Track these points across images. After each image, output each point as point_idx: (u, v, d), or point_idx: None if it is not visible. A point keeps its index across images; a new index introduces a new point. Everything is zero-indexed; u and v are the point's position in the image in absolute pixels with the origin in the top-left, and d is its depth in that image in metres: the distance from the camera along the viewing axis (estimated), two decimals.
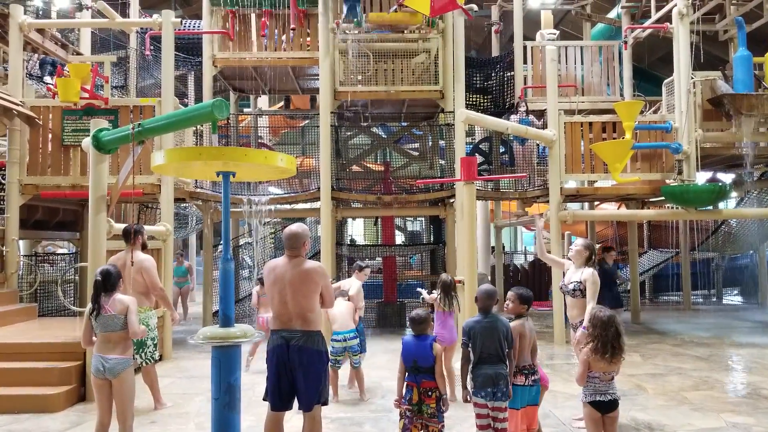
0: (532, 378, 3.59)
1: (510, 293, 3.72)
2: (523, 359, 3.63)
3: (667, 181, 8.09)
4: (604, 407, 3.34)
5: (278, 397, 3.48)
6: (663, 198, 8.61)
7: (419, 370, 3.49)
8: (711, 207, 8.02)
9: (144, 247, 5.19)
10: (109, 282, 3.69)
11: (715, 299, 13.72)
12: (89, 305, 3.74)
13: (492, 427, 3.50)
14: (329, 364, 5.15)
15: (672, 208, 8.62)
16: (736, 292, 14.53)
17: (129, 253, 4.82)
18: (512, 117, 9.19)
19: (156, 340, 5.08)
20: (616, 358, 3.29)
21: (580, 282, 4.53)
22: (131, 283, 4.89)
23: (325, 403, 3.59)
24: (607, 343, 3.26)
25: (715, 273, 13.72)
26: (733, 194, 10.68)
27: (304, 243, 3.58)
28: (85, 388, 5.22)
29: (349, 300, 5.36)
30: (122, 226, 5.36)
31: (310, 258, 3.79)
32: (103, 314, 3.64)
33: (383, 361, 5.99)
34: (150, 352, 4.96)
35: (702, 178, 9.98)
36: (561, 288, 4.75)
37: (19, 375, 5.16)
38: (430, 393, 3.47)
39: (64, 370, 5.19)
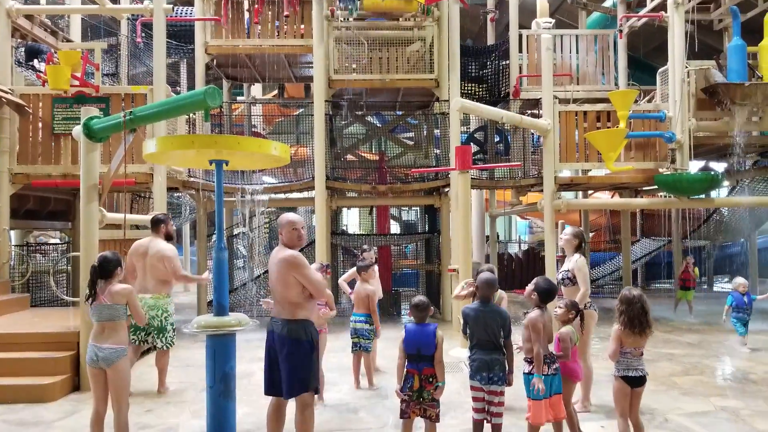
0: (553, 367, 3.56)
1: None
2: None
3: (661, 170, 8.12)
4: (634, 382, 3.49)
5: (269, 383, 3.51)
6: (656, 187, 8.65)
7: (422, 357, 3.48)
8: (703, 196, 8.07)
9: (169, 238, 5.31)
10: (105, 269, 3.67)
11: (706, 287, 13.86)
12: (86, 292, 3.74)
13: (487, 410, 3.56)
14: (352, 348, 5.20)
15: (665, 196, 8.66)
16: (726, 279, 14.68)
17: (152, 241, 5.13)
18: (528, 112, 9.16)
19: (174, 325, 5.24)
20: (645, 332, 3.46)
21: (569, 270, 4.57)
22: (150, 270, 5.08)
23: (317, 392, 3.61)
24: (633, 318, 3.44)
25: (707, 261, 13.85)
26: (725, 183, 10.75)
27: (283, 229, 3.52)
28: (80, 378, 5.22)
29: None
30: (118, 215, 5.56)
31: (304, 248, 3.79)
32: (97, 303, 3.62)
33: (378, 349, 6.02)
34: (170, 336, 5.16)
35: (695, 167, 10.03)
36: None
37: (13, 365, 5.15)
38: (431, 379, 3.48)
39: (58, 360, 5.18)
